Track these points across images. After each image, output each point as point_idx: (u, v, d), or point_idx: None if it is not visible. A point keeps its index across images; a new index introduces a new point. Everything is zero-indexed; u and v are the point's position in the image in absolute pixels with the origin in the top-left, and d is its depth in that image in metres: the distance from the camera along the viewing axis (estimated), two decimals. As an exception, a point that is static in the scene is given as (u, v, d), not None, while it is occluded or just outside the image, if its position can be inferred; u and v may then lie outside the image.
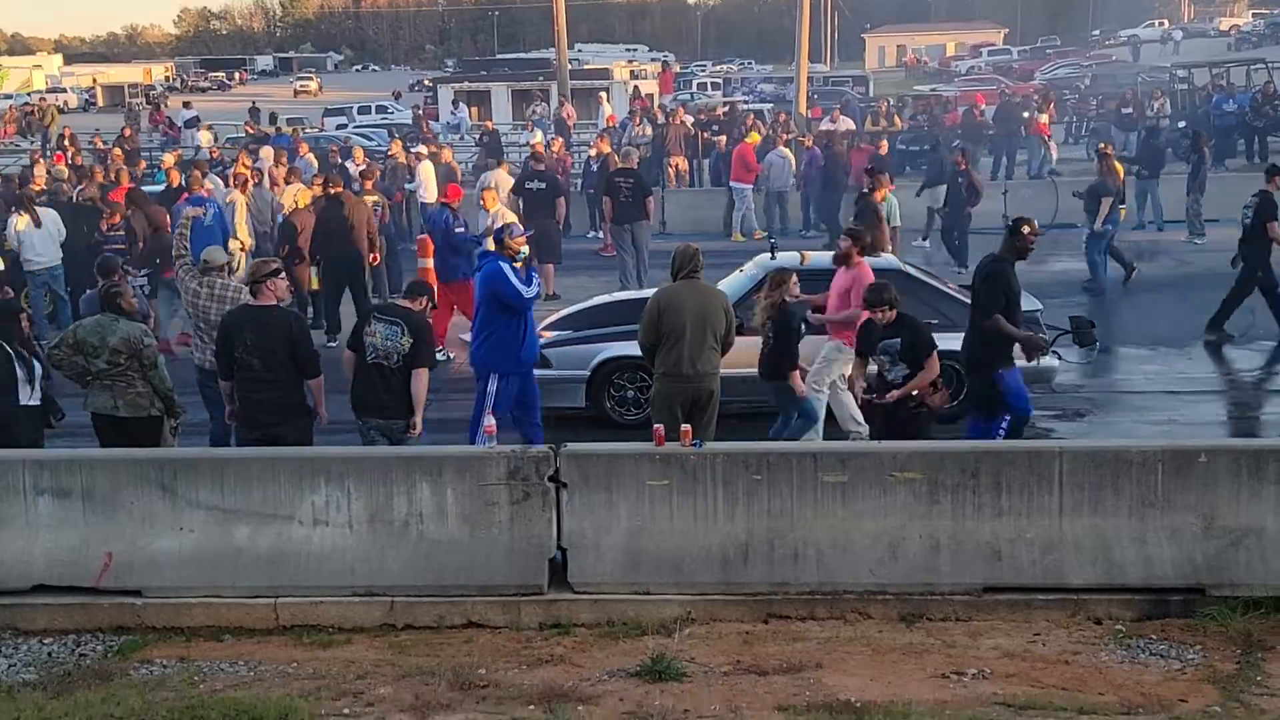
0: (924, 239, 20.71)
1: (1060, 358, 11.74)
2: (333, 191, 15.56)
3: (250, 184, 17.80)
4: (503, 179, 18.82)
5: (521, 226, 10.66)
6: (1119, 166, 17.68)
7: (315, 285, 15.41)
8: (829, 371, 10.56)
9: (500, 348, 9.99)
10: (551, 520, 7.80)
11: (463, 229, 14.71)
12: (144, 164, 27.86)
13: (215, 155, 26.16)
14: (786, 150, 23.92)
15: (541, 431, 10.19)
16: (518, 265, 10.15)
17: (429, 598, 7.72)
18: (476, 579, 7.75)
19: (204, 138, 32.94)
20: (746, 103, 44.45)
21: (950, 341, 11.20)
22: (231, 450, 8.81)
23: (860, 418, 10.19)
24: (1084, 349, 12.02)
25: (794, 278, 10.29)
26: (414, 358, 8.93)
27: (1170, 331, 14.81)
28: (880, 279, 9.27)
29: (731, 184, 23.24)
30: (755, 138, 24.55)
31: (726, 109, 37.05)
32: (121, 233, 15.67)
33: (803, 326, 10.42)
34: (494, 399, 9.95)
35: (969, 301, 11.62)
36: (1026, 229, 9.88)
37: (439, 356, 14.11)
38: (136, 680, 6.95)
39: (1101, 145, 18.88)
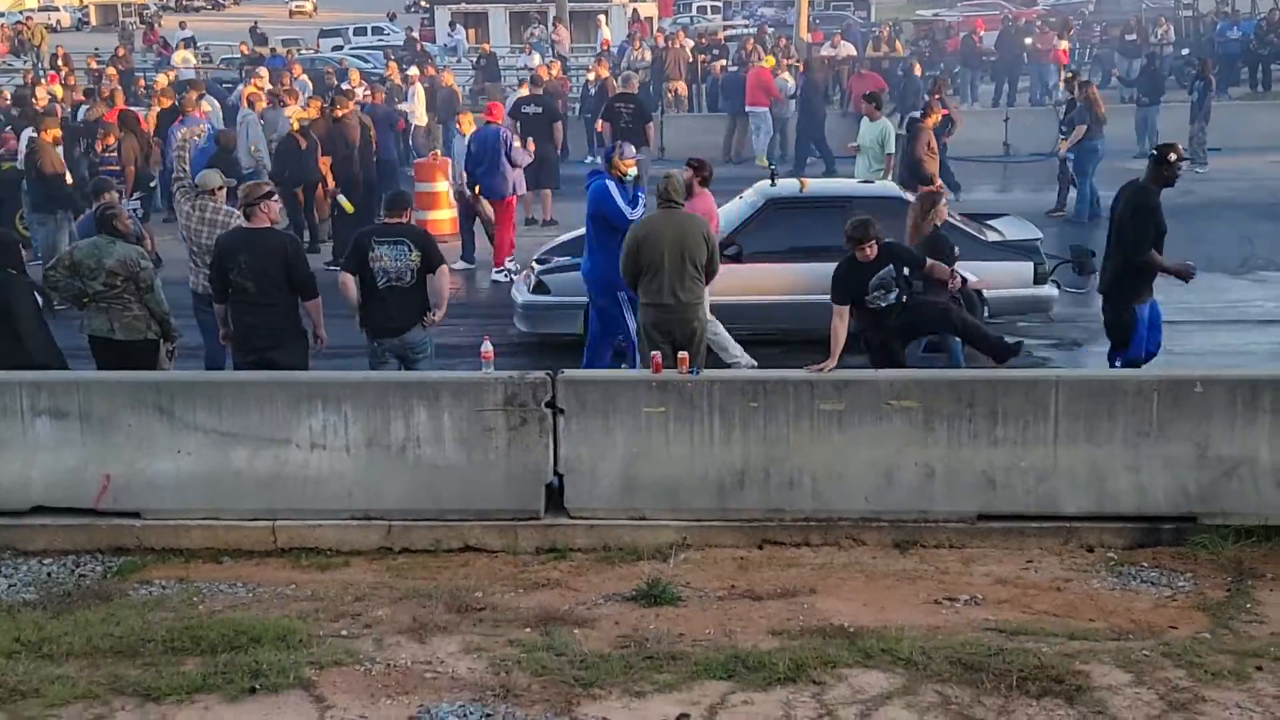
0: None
1: (1059, 286, 11.71)
2: (340, 114, 15.45)
3: (261, 104, 17.65)
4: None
5: (631, 147, 10.50)
6: (1097, 96, 17.46)
7: (350, 209, 14.83)
8: None
9: (614, 263, 9.89)
10: (549, 446, 7.82)
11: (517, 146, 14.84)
12: (141, 82, 27.56)
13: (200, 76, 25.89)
14: (786, 75, 23.68)
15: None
16: (626, 185, 10.13)
17: (426, 521, 7.78)
18: (473, 504, 7.80)
19: (178, 58, 32.30)
20: (748, 26, 43.98)
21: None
22: (228, 374, 8.82)
23: (737, 350, 10.32)
24: (1083, 277, 11.96)
25: (944, 199, 10.56)
26: (428, 265, 8.89)
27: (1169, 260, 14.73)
28: (860, 214, 8.80)
29: (748, 108, 22.93)
30: (770, 61, 24.32)
31: (726, 32, 36.72)
32: (116, 154, 15.56)
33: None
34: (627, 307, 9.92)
35: (968, 229, 11.63)
36: (1173, 155, 9.41)
37: (499, 276, 14.13)
38: (135, 600, 7.02)
39: (1070, 75, 18.68)
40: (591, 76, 24.64)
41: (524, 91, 19.39)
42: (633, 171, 10.25)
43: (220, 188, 10.03)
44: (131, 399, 7.99)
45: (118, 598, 7.06)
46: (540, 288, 11.60)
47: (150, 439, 7.93)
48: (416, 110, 21.07)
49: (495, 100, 17.37)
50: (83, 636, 6.35)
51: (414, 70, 23.19)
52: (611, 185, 10.03)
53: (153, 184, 16.68)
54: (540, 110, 17.65)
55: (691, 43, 30.10)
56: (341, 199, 14.72)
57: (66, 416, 7.95)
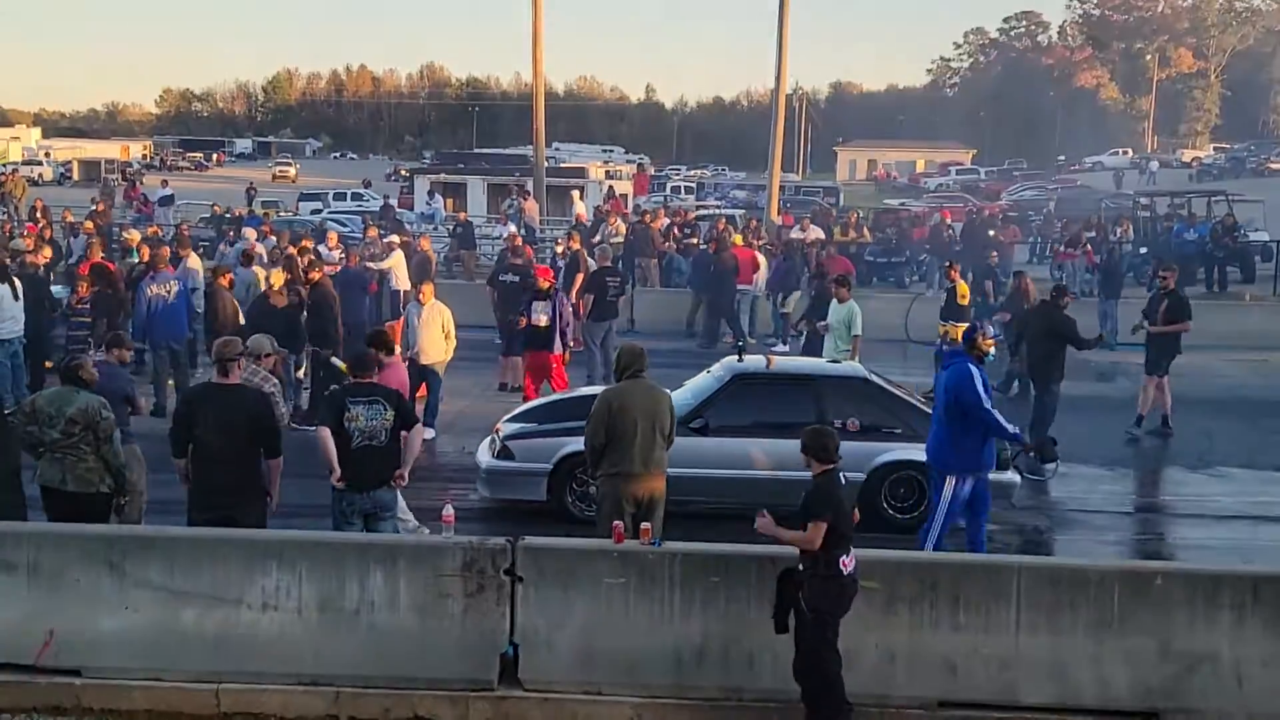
0: (783, 343, 21.12)
1: (1022, 474, 11.79)
2: (317, 277, 15.62)
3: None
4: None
5: (990, 327, 10.57)
6: (1031, 287, 18.18)
7: (344, 369, 14.89)
8: None
9: (960, 449, 9.87)
10: (505, 614, 7.70)
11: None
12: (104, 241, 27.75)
13: (186, 231, 26.11)
14: (759, 255, 24.12)
15: (984, 534, 10.24)
16: (984, 368, 10.14)
17: (376, 689, 7.59)
18: (426, 671, 7.63)
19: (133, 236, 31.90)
20: (720, 208, 45.02)
21: (914, 453, 11.31)
22: (184, 530, 8.66)
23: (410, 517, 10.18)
24: (1045, 465, 12.07)
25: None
26: (403, 423, 8.93)
27: (1129, 452, 14.92)
28: (822, 428, 7.84)
29: (740, 286, 23.28)
30: (739, 239, 24.97)
31: (697, 212, 37.59)
32: (88, 306, 15.60)
33: None
34: (950, 501, 9.91)
35: (929, 410, 11.74)
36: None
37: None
38: (69, 763, 6.76)
39: (1018, 271, 19.54)
40: (560, 249, 25.04)
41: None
42: (992, 353, 10.30)
43: (270, 355, 10.14)
44: (82, 553, 7.83)
45: (50, 759, 6.80)
46: (505, 453, 11.57)
47: (98, 595, 7.74)
48: (398, 274, 21.24)
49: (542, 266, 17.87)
50: (9, 800, 6.09)
51: (395, 237, 23.48)
52: (975, 372, 9.95)
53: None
54: (517, 279, 17.90)
55: (669, 221, 30.72)
56: (336, 361, 14.75)
57: (14, 569, 7.77)
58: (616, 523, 8.16)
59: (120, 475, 8.98)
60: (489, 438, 12.17)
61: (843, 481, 7.29)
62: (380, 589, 7.72)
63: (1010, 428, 9.97)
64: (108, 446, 8.86)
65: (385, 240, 22.87)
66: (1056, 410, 14.24)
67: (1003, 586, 7.67)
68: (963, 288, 17.73)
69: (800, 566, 7.18)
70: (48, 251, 19.99)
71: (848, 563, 7.11)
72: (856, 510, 7.46)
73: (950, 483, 9.92)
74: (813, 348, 17.84)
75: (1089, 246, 24.79)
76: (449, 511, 8.33)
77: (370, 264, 20.92)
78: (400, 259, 21.53)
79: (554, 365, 15.63)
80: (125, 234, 24.64)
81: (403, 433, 8.95)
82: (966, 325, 16.92)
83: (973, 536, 10.26)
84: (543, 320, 15.49)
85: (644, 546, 7.83)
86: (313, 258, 17.22)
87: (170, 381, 15.50)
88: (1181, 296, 16.29)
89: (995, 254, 23.56)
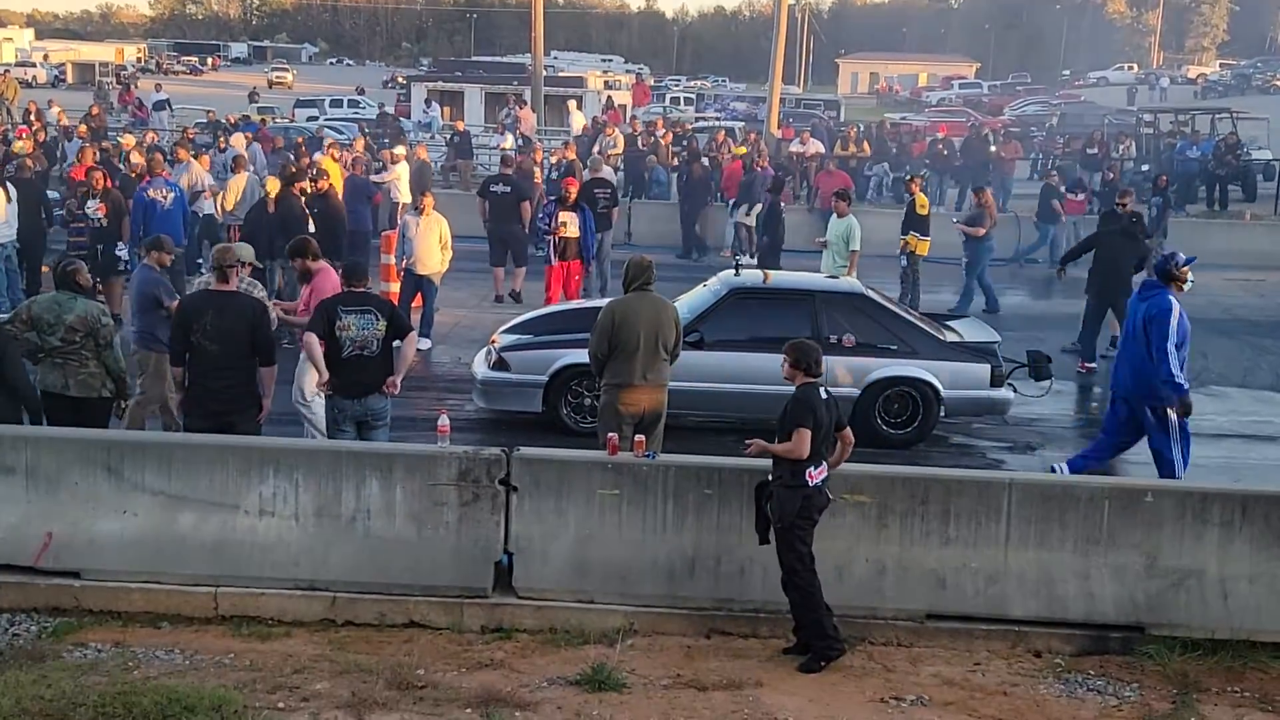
0: (743, 254, 21.04)
1: (1015, 390, 11.83)
2: (324, 187, 15.53)
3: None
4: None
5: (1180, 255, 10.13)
6: (992, 203, 18.33)
7: None
8: (305, 384, 10.05)
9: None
10: (500, 524, 7.77)
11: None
12: (107, 144, 27.51)
13: (190, 135, 25.87)
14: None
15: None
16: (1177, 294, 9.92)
17: (372, 595, 7.67)
18: (421, 579, 7.71)
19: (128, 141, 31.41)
20: (719, 119, 44.63)
21: (909, 369, 11.34)
22: (181, 435, 8.71)
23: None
24: (1039, 383, 12.11)
25: None
26: (396, 332, 8.93)
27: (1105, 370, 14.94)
28: (806, 341, 7.70)
29: (730, 201, 23.19)
30: (742, 150, 24.79)
31: (696, 124, 37.28)
32: (87, 211, 15.51)
33: None
34: (1179, 426, 9.84)
35: (928, 329, 11.76)
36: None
37: None
38: (70, 663, 6.86)
39: (977, 189, 19.45)
40: (554, 159, 24.87)
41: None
42: (1191, 281, 10.01)
43: (249, 264, 10.09)
44: (80, 457, 7.88)
45: (51, 659, 6.90)
46: (500, 364, 11.59)
47: (96, 498, 7.81)
48: (400, 186, 21.09)
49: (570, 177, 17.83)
50: (12, 698, 6.19)
51: (400, 149, 23.23)
52: (1175, 309, 9.73)
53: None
54: (509, 190, 17.79)
55: (670, 135, 30.44)
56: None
57: (12, 472, 7.83)
58: (610, 434, 8.20)
59: (122, 380, 9.02)
60: (485, 349, 12.19)
61: (824, 396, 7.28)
62: (376, 497, 7.79)
63: (1180, 378, 9.71)
64: (109, 352, 8.89)
65: (391, 151, 22.65)
66: None
67: (993, 501, 7.74)
68: (922, 199, 17.60)
69: (769, 477, 7.24)
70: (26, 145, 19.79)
71: (814, 474, 7.12)
72: (849, 430, 7.47)
73: (1170, 414, 9.79)
74: (766, 262, 17.90)
75: (1089, 189, 24.35)
76: (444, 422, 8.36)
77: (373, 177, 20.80)
78: (404, 171, 21.37)
79: (554, 277, 15.62)
80: (120, 139, 24.42)
81: (395, 341, 8.94)
82: (983, 233, 17.13)
83: (1101, 458, 10.23)
84: (572, 230, 15.48)
85: (638, 458, 7.88)
86: (320, 167, 17.10)
87: (119, 289, 15.45)
88: (1142, 218, 16.40)
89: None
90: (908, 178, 20.06)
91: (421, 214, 14.78)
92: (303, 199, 15.19)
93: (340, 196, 16.83)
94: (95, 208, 15.10)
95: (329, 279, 9.91)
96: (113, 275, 15.08)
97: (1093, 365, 14.70)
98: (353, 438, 8.90)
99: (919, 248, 17.17)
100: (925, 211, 17.55)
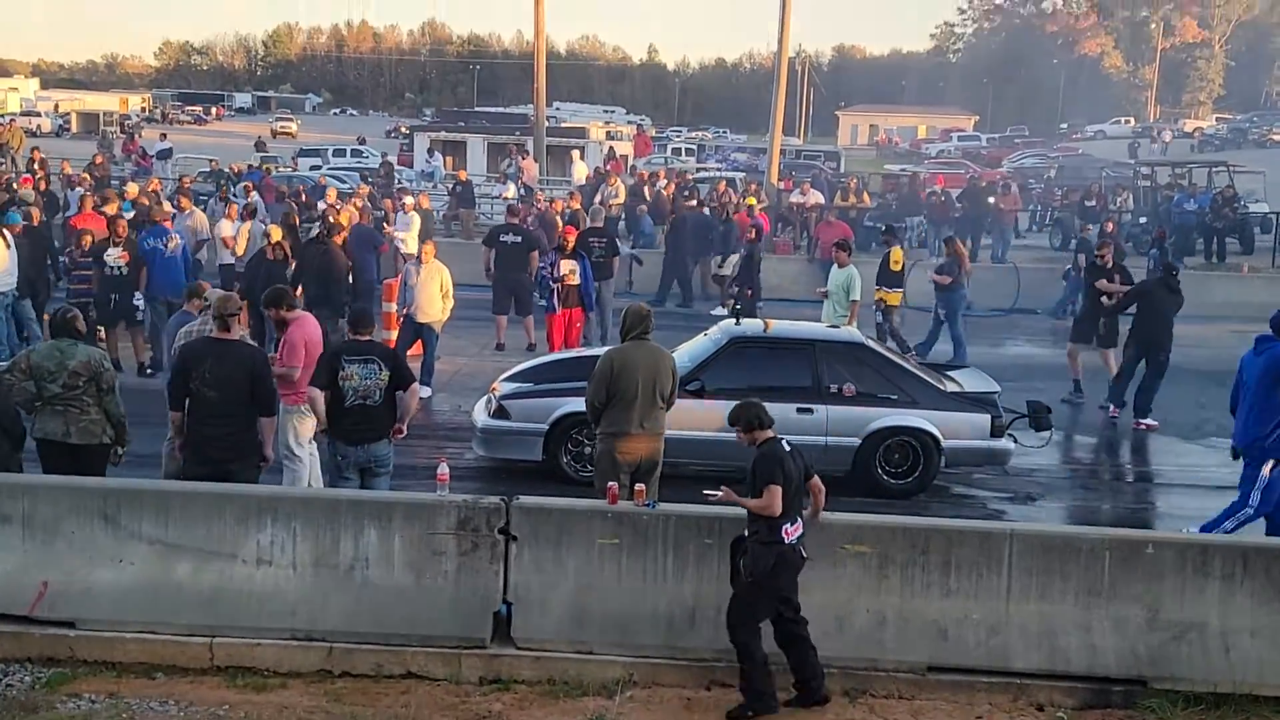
0: (722, 306, 21.16)
1: (1016, 441, 11.81)
2: (340, 239, 15.59)
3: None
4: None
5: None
6: (964, 252, 18.42)
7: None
8: (288, 435, 9.88)
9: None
10: (499, 573, 7.73)
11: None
12: (113, 194, 27.65)
13: (187, 184, 26.00)
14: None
15: None
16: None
17: (369, 645, 7.62)
18: (419, 629, 7.66)
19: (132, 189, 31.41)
20: (720, 170, 44.87)
21: (909, 419, 11.32)
22: (178, 483, 8.68)
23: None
24: (1039, 433, 12.09)
25: None
26: (398, 383, 8.95)
27: (1124, 421, 14.95)
28: (747, 400, 7.66)
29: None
30: (752, 201, 24.98)
31: (697, 174, 37.44)
32: (91, 259, 15.58)
33: None
34: (1264, 485, 9.64)
35: (928, 379, 11.76)
36: None
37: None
38: (63, 714, 6.82)
39: (948, 239, 19.59)
40: (556, 209, 24.96)
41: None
42: None
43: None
44: (76, 505, 7.86)
45: (44, 710, 6.85)
46: (501, 413, 11.58)
47: (93, 547, 7.78)
48: (408, 238, 21.06)
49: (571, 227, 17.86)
50: (4, 748, 6.13)
51: (409, 199, 23.26)
52: None
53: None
54: (519, 240, 17.84)
55: (673, 185, 30.58)
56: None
57: (9, 521, 7.80)
58: (610, 483, 8.18)
59: (121, 426, 9.00)
60: (485, 397, 12.18)
61: (786, 447, 7.25)
62: (374, 546, 7.75)
63: None
64: (110, 397, 8.88)
65: (399, 200, 22.55)
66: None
67: (994, 552, 7.71)
68: (896, 254, 17.71)
69: (745, 532, 7.21)
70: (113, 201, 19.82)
71: (790, 531, 7.09)
72: (817, 478, 7.43)
73: (1269, 467, 9.63)
74: (746, 311, 17.91)
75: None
76: (444, 470, 8.34)
77: (395, 231, 20.75)
78: (417, 222, 21.29)
79: (556, 325, 15.64)
80: (125, 187, 24.53)
81: (399, 392, 8.96)
82: (899, 292, 17.16)
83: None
84: (573, 278, 15.56)
85: (638, 507, 7.85)
86: (333, 219, 17.18)
87: (141, 338, 15.48)
88: (1126, 269, 16.58)
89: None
90: (884, 231, 20.10)
91: (422, 263, 14.83)
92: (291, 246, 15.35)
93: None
94: (117, 255, 15.17)
95: (302, 329, 9.84)
96: (131, 324, 15.16)
97: (1119, 409, 14.72)
98: (356, 484, 8.90)
99: (890, 299, 17.33)
100: (899, 267, 17.70)
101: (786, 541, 7.08)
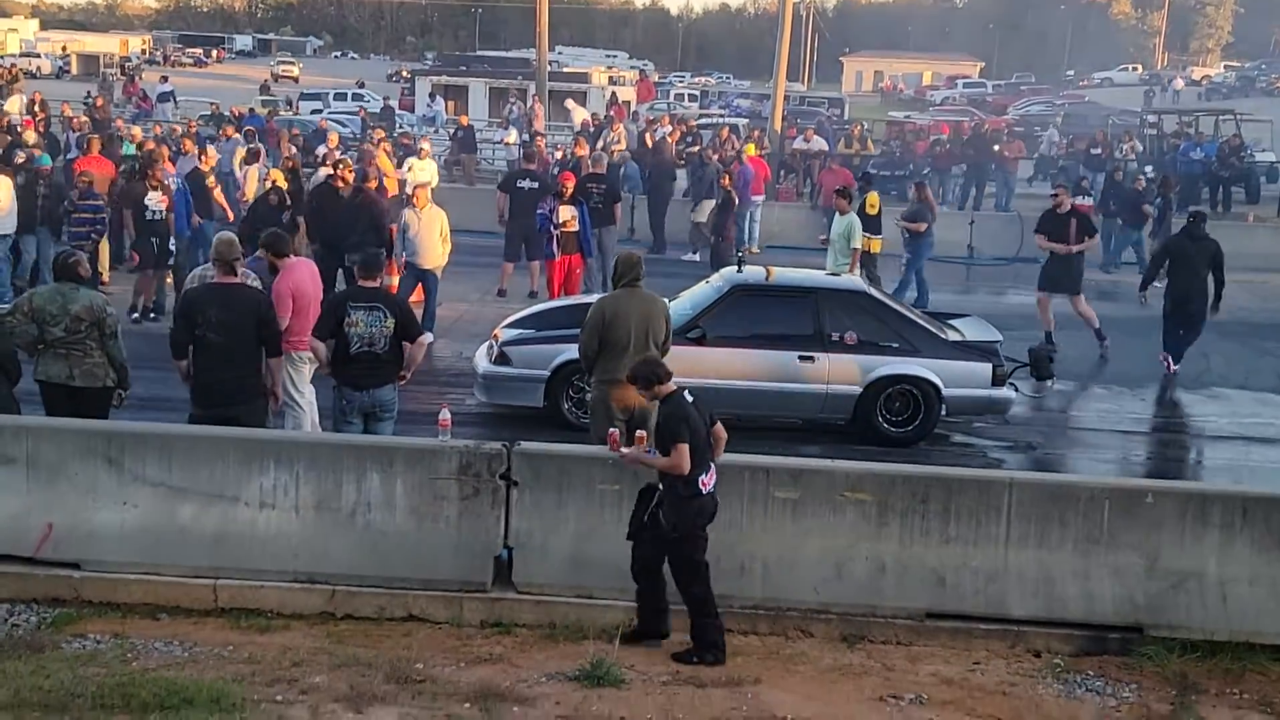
0: (693, 252, 21.29)
1: (1016, 389, 11.82)
2: (372, 185, 15.54)
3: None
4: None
5: None
6: (932, 199, 18.41)
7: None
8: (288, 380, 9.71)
9: None
10: (500, 518, 7.76)
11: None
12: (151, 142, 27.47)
13: (192, 128, 25.87)
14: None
15: None
16: None
17: (371, 588, 7.67)
18: (420, 572, 7.71)
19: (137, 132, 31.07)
20: (723, 116, 44.60)
21: (911, 367, 11.33)
22: (181, 427, 8.71)
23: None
24: (1041, 382, 12.10)
25: None
26: (405, 333, 8.91)
27: (1125, 371, 14.96)
28: (645, 357, 7.90)
29: (753, 197, 23.12)
30: (752, 149, 24.77)
31: (699, 120, 37.23)
32: (90, 201, 15.55)
33: None
34: None
35: (929, 327, 11.75)
36: None
37: None
38: (68, 654, 6.87)
39: (918, 184, 19.60)
40: (558, 155, 24.83)
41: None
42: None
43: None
44: (80, 448, 7.88)
45: (50, 650, 6.91)
46: (502, 359, 11.58)
47: (96, 489, 7.81)
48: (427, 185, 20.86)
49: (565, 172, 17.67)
50: (10, 688, 6.19)
51: (426, 145, 23.08)
52: None
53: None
54: (536, 185, 17.71)
55: (677, 132, 30.38)
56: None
57: (13, 462, 7.83)
58: (612, 430, 8.18)
59: (124, 370, 9.03)
60: (487, 343, 12.18)
61: (689, 399, 7.21)
62: (376, 490, 7.78)
63: None
64: (112, 342, 8.90)
65: (420, 149, 22.28)
66: None
67: (994, 500, 7.73)
68: (872, 199, 17.73)
69: (660, 486, 7.16)
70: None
71: (707, 481, 7.08)
72: (720, 424, 7.40)
73: None
74: (720, 258, 17.95)
75: (1089, 197, 24.19)
76: (446, 415, 8.36)
77: (404, 175, 20.58)
78: (434, 169, 21.01)
79: (556, 271, 15.60)
80: (129, 131, 24.41)
81: (405, 341, 8.94)
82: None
83: None
84: (572, 224, 15.49)
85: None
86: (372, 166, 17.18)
87: (169, 280, 15.47)
88: (1087, 214, 16.51)
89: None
90: (863, 179, 20.12)
91: (418, 208, 14.74)
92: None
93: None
94: (157, 199, 15.17)
95: (289, 277, 9.71)
96: (164, 266, 15.28)
97: (1175, 365, 14.72)
98: (360, 429, 8.93)
99: (872, 246, 17.28)
100: (875, 211, 17.67)
101: (705, 492, 7.07)
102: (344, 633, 7.36)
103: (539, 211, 15.90)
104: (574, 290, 15.42)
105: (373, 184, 15.75)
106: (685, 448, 6.95)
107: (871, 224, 17.39)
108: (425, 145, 22.75)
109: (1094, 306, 16.09)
